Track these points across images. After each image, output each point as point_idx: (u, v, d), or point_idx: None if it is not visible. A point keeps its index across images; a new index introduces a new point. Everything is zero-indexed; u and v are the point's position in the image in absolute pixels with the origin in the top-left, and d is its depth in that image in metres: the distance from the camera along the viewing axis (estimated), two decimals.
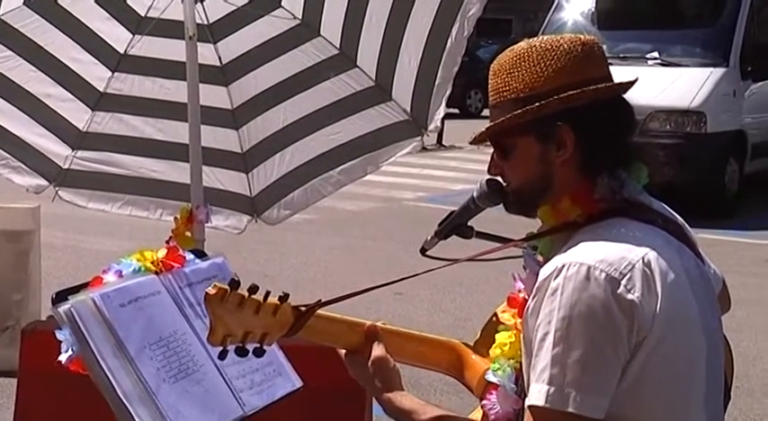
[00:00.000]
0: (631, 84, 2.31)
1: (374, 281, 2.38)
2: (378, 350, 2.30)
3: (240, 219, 4.48)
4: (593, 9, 12.64)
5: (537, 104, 2.19)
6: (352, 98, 4.27)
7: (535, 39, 2.33)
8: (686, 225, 2.36)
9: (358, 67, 4.21)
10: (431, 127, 4.17)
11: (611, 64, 2.45)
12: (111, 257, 2.95)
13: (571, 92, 2.19)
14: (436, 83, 4.04)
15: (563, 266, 2.08)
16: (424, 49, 4.02)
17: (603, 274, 2.05)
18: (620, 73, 2.37)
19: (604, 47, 2.59)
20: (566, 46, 2.25)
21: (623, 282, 2.05)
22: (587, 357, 2.06)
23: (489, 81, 2.32)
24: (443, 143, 16.23)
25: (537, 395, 2.07)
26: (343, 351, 2.36)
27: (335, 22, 4.16)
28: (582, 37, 2.32)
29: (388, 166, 4.98)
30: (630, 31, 12.10)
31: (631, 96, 2.50)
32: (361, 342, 2.36)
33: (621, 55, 11.83)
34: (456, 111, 16.92)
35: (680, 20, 12.99)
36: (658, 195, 2.31)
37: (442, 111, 4.08)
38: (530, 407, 2.09)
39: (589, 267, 2.06)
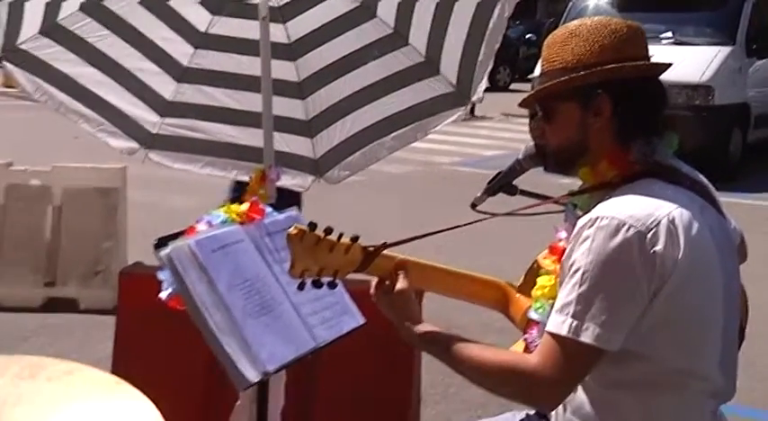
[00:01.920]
0: (667, 66, 2.32)
1: (417, 234, 2.44)
2: (401, 283, 2.31)
3: (305, 178, 4.45)
4: None
5: (582, 72, 2.22)
6: (404, 72, 4.20)
7: (587, 18, 2.37)
8: (711, 186, 2.38)
9: (410, 44, 4.14)
10: (474, 98, 4.11)
11: None
12: (187, 212, 3.02)
13: (613, 65, 2.21)
14: (479, 59, 3.97)
15: (596, 218, 2.12)
16: (470, 28, 3.95)
17: (632, 228, 2.08)
18: None
19: None
20: (612, 26, 2.28)
21: (649, 235, 2.08)
22: (607, 298, 2.09)
23: (543, 52, 2.36)
24: (475, 114, 16.14)
25: (559, 325, 2.11)
26: (375, 281, 2.36)
27: (391, 5, 4.09)
28: (628, 21, 2.34)
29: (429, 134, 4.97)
30: (647, 13, 11.95)
31: None
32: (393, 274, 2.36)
33: None
34: (487, 84, 16.88)
35: (692, 3, 12.85)
36: None
37: (484, 83, 4.03)
38: (550, 333, 2.12)
39: (619, 221, 2.09)
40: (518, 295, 2.53)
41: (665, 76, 2.33)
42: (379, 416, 3.54)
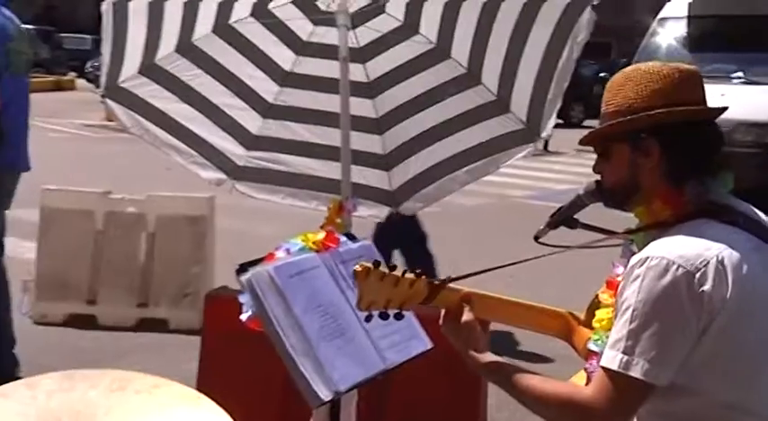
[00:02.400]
0: (718, 110, 2.29)
1: (488, 265, 2.45)
2: (466, 315, 2.33)
3: (382, 209, 4.49)
4: (685, 34, 12.33)
5: (629, 118, 2.22)
6: (476, 110, 4.23)
7: (643, 63, 2.36)
8: None
9: (482, 84, 4.18)
10: (543, 135, 4.12)
11: None
12: (272, 240, 3.07)
13: (659, 110, 2.21)
14: (548, 97, 4.00)
15: (647, 258, 2.11)
16: (539, 69, 3.97)
17: (681, 268, 2.08)
18: (709, 90, 2.36)
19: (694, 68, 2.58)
20: (665, 71, 2.26)
21: (697, 275, 2.07)
22: (656, 335, 2.08)
23: (604, 95, 2.37)
24: (549, 149, 16.06)
25: (611, 360, 2.11)
26: (444, 311, 2.38)
27: (464, 46, 4.14)
28: (681, 65, 2.32)
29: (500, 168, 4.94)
30: (718, 53, 11.78)
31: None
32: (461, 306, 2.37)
33: (710, 74, 11.56)
34: (560, 121, 16.83)
35: (763, 43, 12.62)
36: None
37: (553, 121, 4.05)
38: (604, 368, 2.12)
39: (668, 261, 2.08)
40: (580, 328, 2.52)
41: (735, 115, 2.30)
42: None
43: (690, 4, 12.17)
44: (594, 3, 3.80)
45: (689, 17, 12.26)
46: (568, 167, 15.18)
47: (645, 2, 19.63)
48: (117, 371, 2.25)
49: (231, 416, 2.17)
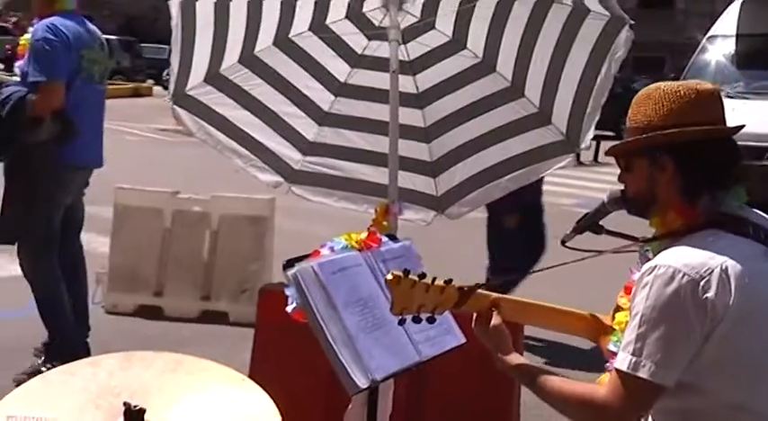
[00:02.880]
0: (731, 129, 2.31)
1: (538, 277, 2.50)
2: (495, 319, 2.39)
3: (428, 213, 4.49)
4: (734, 52, 12.19)
5: (645, 136, 2.27)
6: (519, 121, 4.25)
7: (663, 83, 2.38)
8: None
9: (525, 97, 4.20)
10: (582, 146, 4.14)
11: (747, 98, 2.45)
12: (326, 240, 3.14)
13: (673, 130, 2.24)
14: (587, 111, 4.01)
15: (655, 266, 2.16)
16: (579, 84, 3.99)
17: (686, 277, 2.11)
18: (755, 105, 2.37)
19: (741, 83, 2.60)
20: (682, 92, 2.28)
21: (701, 283, 2.10)
22: (662, 339, 2.12)
23: (629, 110, 2.39)
24: (599, 160, 16.01)
25: (621, 361, 2.16)
26: (475, 315, 2.43)
27: (508, 61, 4.16)
28: (700, 85, 2.34)
29: (551, 177, 4.90)
30: (766, 70, 11.63)
31: (764, 125, 2.50)
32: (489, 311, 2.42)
33: (757, 90, 11.42)
34: (611, 133, 16.66)
35: None
36: None
37: (591, 133, 4.05)
38: (616, 370, 2.17)
39: (675, 269, 2.12)
40: (605, 327, 2.54)
41: None
42: (485, 418, 3.53)
43: (738, 23, 12.04)
44: (632, 23, 3.82)
45: (737, 35, 12.14)
46: (616, 178, 15.02)
47: (697, 20, 19.40)
48: (171, 354, 2.36)
49: (280, 400, 2.25)
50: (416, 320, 2.40)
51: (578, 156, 5.45)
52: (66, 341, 5.23)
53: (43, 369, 4.99)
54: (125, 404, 2.02)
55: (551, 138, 4.21)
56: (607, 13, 3.82)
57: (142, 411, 2.01)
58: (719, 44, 12.30)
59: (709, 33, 12.53)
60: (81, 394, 2.12)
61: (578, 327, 2.55)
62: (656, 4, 36.49)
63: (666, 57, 30.73)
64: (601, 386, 2.27)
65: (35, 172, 5.09)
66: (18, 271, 5.36)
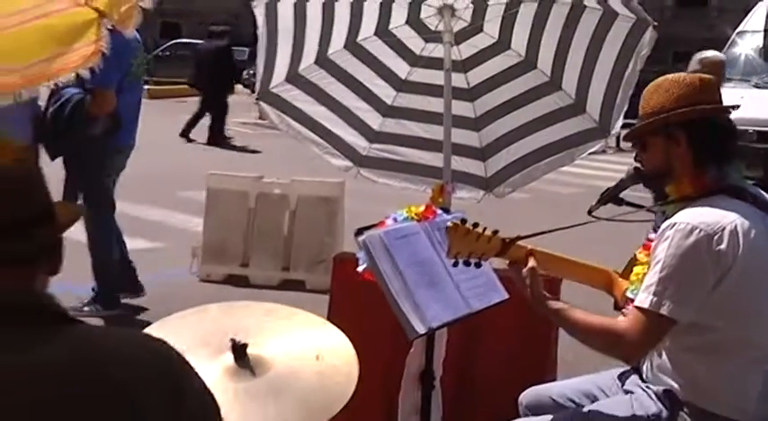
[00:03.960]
0: (729, 108, 2.45)
1: (573, 241, 2.58)
2: (531, 262, 2.47)
3: (477, 193, 4.58)
4: (761, 45, 12.00)
5: (663, 115, 2.38)
6: (557, 111, 4.33)
7: (670, 75, 2.49)
8: None
9: (562, 89, 4.29)
10: (612, 132, 4.21)
11: None
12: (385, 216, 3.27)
13: (686, 108, 2.36)
14: (617, 101, 4.09)
15: (675, 223, 2.28)
16: (610, 77, 4.07)
17: (702, 231, 2.24)
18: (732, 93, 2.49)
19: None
20: (687, 80, 2.42)
21: (715, 237, 2.23)
22: (680, 283, 2.24)
23: (640, 101, 2.52)
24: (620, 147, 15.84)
25: (643, 300, 2.26)
26: (509, 261, 2.53)
27: (547, 59, 4.25)
28: (702, 75, 2.47)
29: (586, 161, 4.95)
30: None
31: None
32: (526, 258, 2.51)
33: None
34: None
35: None
36: None
37: (620, 120, 4.11)
38: (637, 307, 2.28)
39: (693, 225, 2.25)
40: (620, 279, 2.64)
41: None
42: (524, 369, 3.54)
43: (766, 19, 11.87)
44: (655, 24, 3.88)
45: (765, 31, 11.95)
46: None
47: (729, 16, 19.03)
48: (266, 304, 2.52)
49: (356, 349, 2.32)
50: (467, 264, 2.52)
51: (618, 141, 5.51)
52: (109, 291, 5.56)
53: (85, 309, 5.42)
54: (231, 340, 2.18)
55: (585, 126, 4.27)
56: (633, 15, 3.88)
57: (245, 345, 2.17)
58: (748, 39, 12.08)
59: (739, 29, 12.33)
60: (194, 333, 2.28)
61: (597, 279, 2.66)
62: (692, 2, 35.72)
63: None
64: (620, 320, 2.39)
65: (89, 159, 5.39)
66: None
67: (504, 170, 4.55)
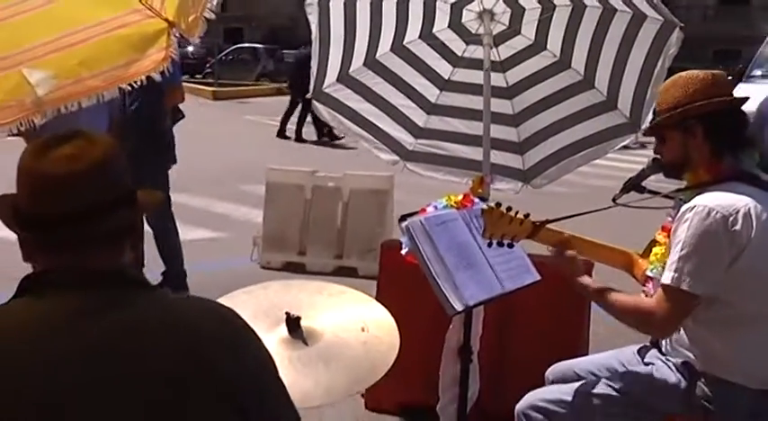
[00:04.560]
0: (740, 100, 2.47)
1: (607, 228, 2.61)
2: (571, 252, 2.57)
3: (516, 184, 4.62)
4: None
5: (680, 110, 2.42)
6: (590, 108, 4.36)
7: (684, 72, 2.52)
8: None
9: (595, 87, 4.31)
10: (642, 127, 4.20)
11: None
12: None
13: (698, 103, 2.40)
14: (647, 98, 4.11)
15: (694, 206, 2.32)
16: (640, 75, 4.10)
17: (719, 213, 2.28)
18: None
19: None
20: (701, 76, 2.45)
21: (730, 219, 2.26)
22: (699, 260, 2.28)
23: (657, 98, 2.57)
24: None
25: (667, 277, 2.31)
26: (553, 248, 2.61)
27: (581, 59, 4.29)
28: (713, 71, 2.49)
29: (618, 154, 4.88)
30: None
31: None
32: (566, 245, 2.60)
33: None
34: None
35: None
36: None
37: (650, 116, 4.09)
38: (662, 284, 2.34)
39: (710, 208, 2.29)
40: (640, 260, 2.70)
41: None
42: (557, 345, 3.56)
43: None
44: (681, 25, 3.90)
45: None
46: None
47: (764, 14, 18.64)
48: (317, 282, 2.63)
49: (402, 327, 2.43)
50: (500, 244, 2.60)
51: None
52: (177, 271, 5.74)
53: None
54: (286, 313, 2.31)
55: (617, 121, 4.30)
56: (661, 17, 3.91)
57: (298, 318, 2.31)
58: None
59: None
60: (255, 307, 2.42)
61: (619, 260, 2.71)
62: (735, 0, 34.94)
63: (743, 49, 29.48)
64: (649, 299, 2.45)
65: (161, 150, 5.59)
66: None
67: (541, 163, 4.59)
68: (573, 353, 3.57)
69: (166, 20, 2.20)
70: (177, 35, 2.20)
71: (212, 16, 2.14)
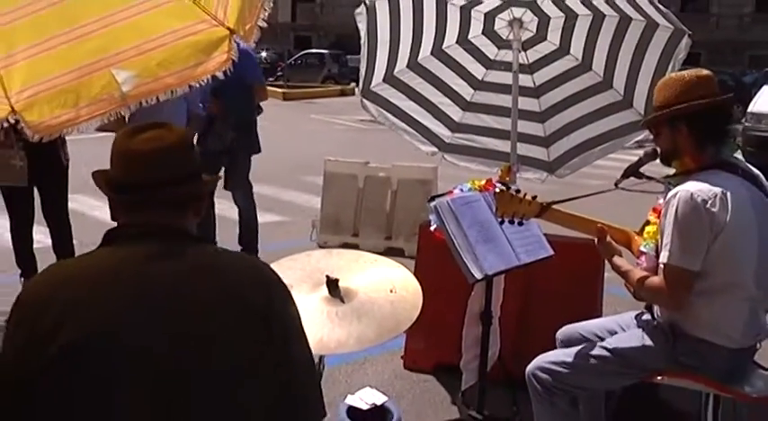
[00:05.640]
0: (723, 100, 2.52)
1: (596, 205, 2.72)
2: (604, 240, 2.66)
3: (541, 174, 4.67)
4: None
5: (665, 111, 2.51)
6: (608, 106, 4.39)
7: (675, 74, 2.59)
8: (761, 175, 2.58)
9: (613, 88, 4.34)
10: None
11: None
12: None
13: (684, 105, 2.47)
14: None
15: (678, 192, 2.41)
16: (653, 77, 4.09)
17: (699, 198, 2.36)
18: None
19: None
20: (687, 77, 2.51)
21: (709, 202, 2.36)
22: (687, 238, 2.38)
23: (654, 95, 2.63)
24: None
25: (663, 257, 2.40)
26: (597, 239, 2.67)
27: (600, 63, 4.32)
28: (700, 72, 2.54)
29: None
30: None
31: None
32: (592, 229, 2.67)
33: None
34: None
35: None
36: None
37: None
38: (660, 263, 2.43)
39: (692, 193, 2.38)
40: (637, 237, 2.79)
41: None
42: (571, 312, 3.47)
43: None
44: (690, 33, 3.92)
45: None
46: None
47: None
48: (354, 251, 2.81)
49: (430, 289, 2.57)
50: (511, 222, 2.71)
51: None
52: (256, 244, 5.91)
53: None
54: (327, 276, 2.50)
55: (632, 118, 4.32)
56: (671, 26, 3.95)
57: (337, 280, 2.48)
58: None
59: None
60: (300, 271, 2.61)
61: (618, 237, 2.79)
62: None
63: None
64: (657, 277, 2.53)
65: (254, 142, 5.75)
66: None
67: (565, 155, 4.63)
68: (586, 318, 3.69)
69: (228, 28, 2.40)
70: (237, 41, 2.39)
71: (265, 25, 2.33)
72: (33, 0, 2.16)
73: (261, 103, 5.91)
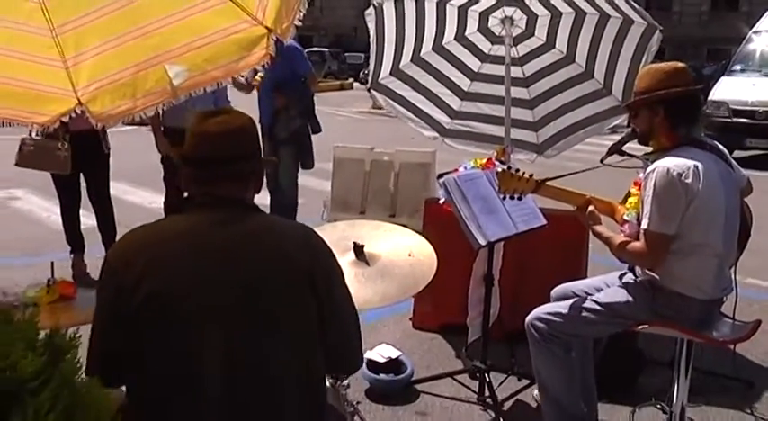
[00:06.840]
0: (695, 89, 2.59)
1: (586, 181, 2.78)
2: (590, 209, 2.71)
3: (531, 155, 4.71)
4: None
5: (645, 96, 2.57)
6: (591, 94, 4.42)
7: (655, 64, 2.64)
8: (726, 152, 2.65)
9: (594, 78, 4.39)
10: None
11: None
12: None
13: (660, 92, 2.54)
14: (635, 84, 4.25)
15: (656, 167, 2.49)
16: (629, 67, 4.17)
17: (675, 171, 2.44)
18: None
19: None
20: (666, 67, 2.58)
21: (683, 174, 2.43)
22: (665, 207, 2.45)
23: (636, 81, 2.69)
24: None
25: (644, 223, 2.47)
26: (577, 207, 2.74)
27: (582, 55, 4.37)
28: (677, 64, 2.61)
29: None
30: None
31: None
32: (580, 201, 2.72)
33: None
34: None
35: None
36: None
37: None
38: (642, 229, 2.51)
39: (668, 168, 2.46)
40: (620, 207, 2.87)
41: None
42: (562, 272, 3.57)
43: None
44: (661, 28, 3.98)
45: None
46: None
47: (750, 19, 18.15)
48: (375, 221, 2.88)
49: (443, 260, 2.60)
50: (511, 197, 2.79)
51: None
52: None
53: None
54: (353, 242, 2.59)
55: (611, 104, 4.38)
56: (645, 22, 4.01)
57: (362, 246, 2.57)
58: (763, 36, 11.68)
59: (754, 28, 11.92)
60: (329, 239, 2.59)
61: (603, 207, 2.86)
62: (725, 7, 33.86)
63: (731, 48, 28.54)
64: (638, 242, 2.59)
65: (316, 127, 5.80)
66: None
67: (551, 138, 4.67)
68: (575, 276, 3.76)
69: (267, 27, 2.49)
70: (274, 38, 2.49)
71: (300, 24, 2.43)
72: (107, 3, 2.25)
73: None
